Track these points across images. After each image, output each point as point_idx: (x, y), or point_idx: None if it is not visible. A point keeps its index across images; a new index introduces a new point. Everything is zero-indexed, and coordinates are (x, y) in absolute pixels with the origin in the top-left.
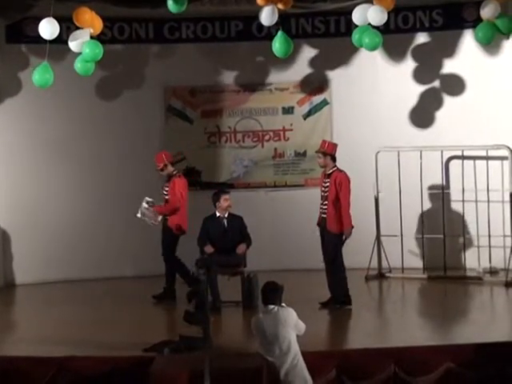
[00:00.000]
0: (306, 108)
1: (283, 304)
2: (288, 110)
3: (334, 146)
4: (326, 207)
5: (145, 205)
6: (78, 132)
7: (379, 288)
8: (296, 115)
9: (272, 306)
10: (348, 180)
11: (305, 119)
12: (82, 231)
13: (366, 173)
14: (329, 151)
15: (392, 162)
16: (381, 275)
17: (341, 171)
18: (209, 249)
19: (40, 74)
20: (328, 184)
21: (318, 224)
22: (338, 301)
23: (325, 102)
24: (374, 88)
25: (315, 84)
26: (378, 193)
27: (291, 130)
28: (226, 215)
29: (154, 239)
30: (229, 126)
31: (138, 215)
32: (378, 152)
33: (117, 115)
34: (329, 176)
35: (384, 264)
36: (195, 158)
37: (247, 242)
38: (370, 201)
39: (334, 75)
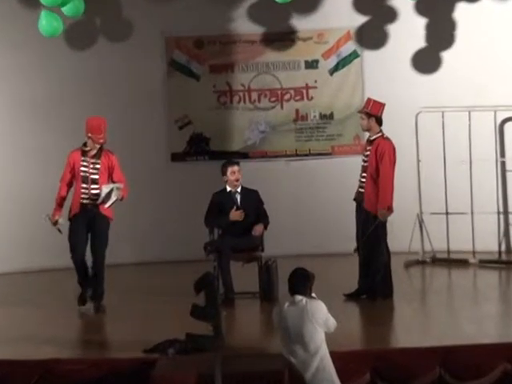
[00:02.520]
0: (332, 61)
1: (313, 294)
2: (312, 64)
3: (381, 105)
4: (364, 180)
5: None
6: (65, 92)
7: (421, 276)
8: (321, 70)
9: (300, 298)
10: (393, 150)
11: (331, 75)
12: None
13: (403, 138)
14: (374, 112)
15: (435, 125)
16: (423, 261)
17: (386, 138)
18: (236, 215)
19: (47, 20)
20: (369, 153)
21: (355, 199)
22: (376, 292)
23: (355, 54)
24: (412, 37)
25: (343, 32)
26: (418, 162)
27: (315, 87)
28: (239, 190)
29: (156, 222)
30: (242, 84)
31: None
32: (419, 113)
33: (111, 71)
34: (371, 143)
35: (427, 247)
36: (202, 122)
37: (264, 221)
38: (409, 171)
39: (366, 22)
